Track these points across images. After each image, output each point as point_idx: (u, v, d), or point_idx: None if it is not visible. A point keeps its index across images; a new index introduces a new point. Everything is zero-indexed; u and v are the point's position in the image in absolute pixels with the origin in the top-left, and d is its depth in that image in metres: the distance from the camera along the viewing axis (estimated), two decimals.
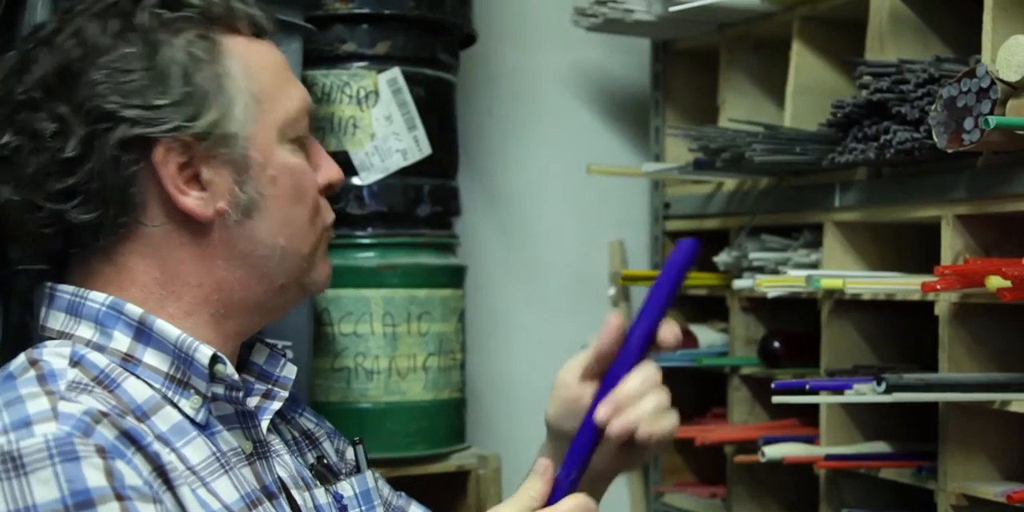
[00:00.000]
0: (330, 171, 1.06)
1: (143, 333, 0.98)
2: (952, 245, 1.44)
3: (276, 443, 1.05)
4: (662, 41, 2.11)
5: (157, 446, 0.92)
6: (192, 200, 0.98)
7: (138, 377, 0.97)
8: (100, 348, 0.98)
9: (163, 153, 0.96)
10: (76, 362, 0.96)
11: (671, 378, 2.15)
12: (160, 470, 0.91)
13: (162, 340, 0.97)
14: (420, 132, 1.68)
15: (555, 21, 2.11)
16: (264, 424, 1.03)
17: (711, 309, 2.02)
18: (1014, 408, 1.35)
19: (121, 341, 0.98)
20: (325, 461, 1.13)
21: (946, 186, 1.45)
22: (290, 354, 1.12)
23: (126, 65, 0.96)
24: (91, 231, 0.98)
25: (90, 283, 1.01)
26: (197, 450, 0.96)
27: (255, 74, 1.00)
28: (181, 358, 0.97)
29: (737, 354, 1.87)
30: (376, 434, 1.58)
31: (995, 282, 1.30)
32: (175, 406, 0.97)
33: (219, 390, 0.98)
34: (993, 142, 1.33)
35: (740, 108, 1.92)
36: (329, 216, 1.06)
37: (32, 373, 0.95)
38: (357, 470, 1.14)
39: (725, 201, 1.90)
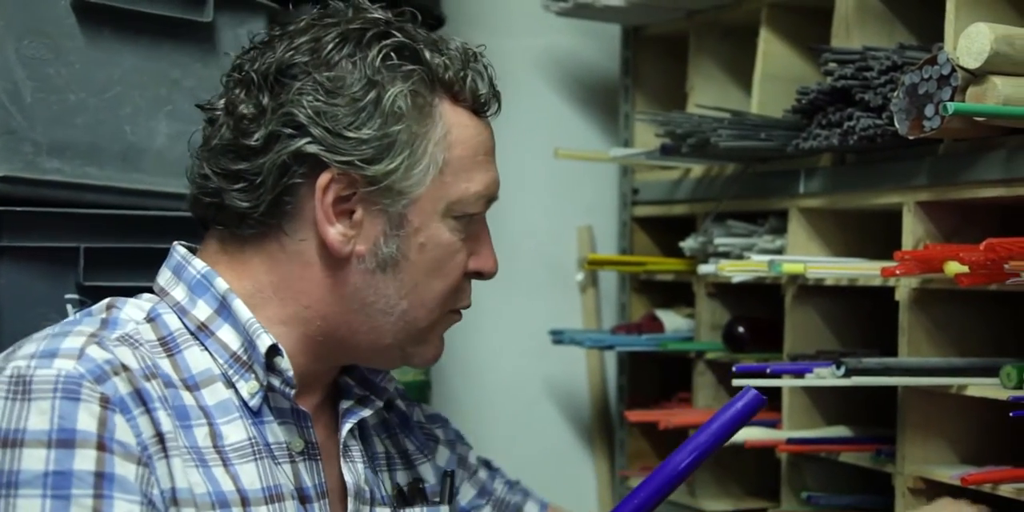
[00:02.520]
0: (485, 262, 1.07)
1: (224, 308, 1.01)
2: (913, 231, 1.46)
3: (355, 450, 1.06)
4: (632, 27, 2.12)
5: (164, 414, 0.94)
6: (335, 233, 1.00)
7: (205, 348, 1.00)
8: (183, 312, 1.02)
9: (328, 180, 0.98)
10: (151, 319, 1.01)
11: (637, 363, 2.19)
12: (160, 437, 0.93)
13: (236, 318, 1.00)
14: None
15: (525, 5, 2.11)
16: (346, 427, 1.05)
17: (677, 295, 2.03)
18: (971, 392, 1.37)
19: (203, 310, 1.01)
20: (421, 486, 1.13)
21: (908, 173, 1.47)
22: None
23: (337, 88, 0.98)
24: (239, 217, 1.01)
25: (212, 258, 1.04)
26: (235, 430, 0.98)
27: (452, 145, 1.01)
28: (248, 340, 1.00)
29: (703, 339, 1.89)
30: None
31: (953, 267, 1.32)
32: (232, 386, 0.99)
33: (275, 382, 1.00)
34: (953, 129, 1.34)
35: (708, 94, 1.93)
36: (463, 301, 1.08)
37: (101, 316, 1.00)
38: (439, 501, 1.14)
39: (692, 187, 1.91)
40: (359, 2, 1.05)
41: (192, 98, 1.43)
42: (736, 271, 1.64)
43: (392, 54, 1.00)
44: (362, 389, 1.10)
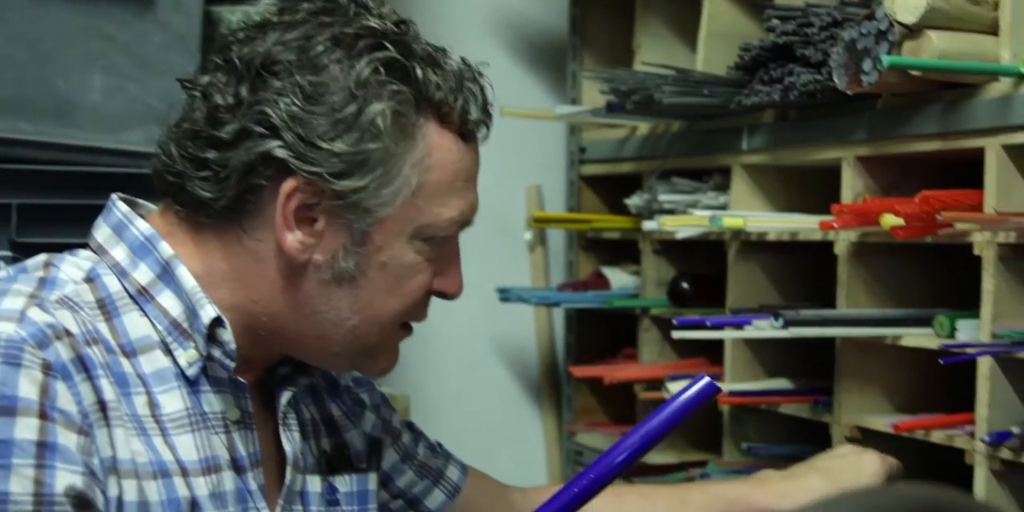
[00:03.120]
0: (450, 284, 1.03)
1: (167, 273, 0.98)
2: (852, 186, 1.48)
3: (291, 418, 1.04)
4: None
5: (106, 381, 0.91)
6: (293, 239, 0.96)
7: (144, 313, 0.97)
8: (123, 274, 0.98)
9: (293, 187, 0.95)
10: (90, 279, 0.97)
11: (584, 320, 2.21)
12: (102, 405, 0.91)
13: (180, 285, 0.97)
14: None
15: None
16: (286, 396, 1.03)
17: (625, 252, 2.05)
18: (906, 342, 1.40)
19: (144, 274, 0.98)
20: (346, 452, 1.11)
21: (847, 128, 1.49)
22: None
23: (317, 95, 0.94)
24: (198, 205, 0.98)
25: (165, 229, 1.00)
26: (172, 399, 0.96)
27: (431, 169, 0.97)
28: (190, 309, 0.97)
29: (648, 296, 1.91)
30: None
31: (889, 220, 1.34)
32: (170, 354, 0.97)
33: (216, 352, 0.97)
34: (891, 84, 1.36)
35: (655, 53, 1.94)
36: (419, 317, 1.04)
37: (38, 274, 0.97)
38: (367, 468, 1.12)
39: (638, 145, 1.92)
40: (364, 1, 1.00)
41: (126, 53, 1.42)
42: (678, 226, 1.66)
43: (381, 68, 0.95)
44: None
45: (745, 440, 1.69)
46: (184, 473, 0.94)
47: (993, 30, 1.30)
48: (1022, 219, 1.24)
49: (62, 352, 0.89)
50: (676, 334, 1.50)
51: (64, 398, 0.88)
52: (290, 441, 1.03)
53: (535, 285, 2.21)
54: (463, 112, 0.99)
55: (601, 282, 2.00)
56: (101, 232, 1.01)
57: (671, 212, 1.81)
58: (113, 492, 0.90)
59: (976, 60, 1.29)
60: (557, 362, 2.22)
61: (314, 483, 1.06)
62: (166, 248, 0.98)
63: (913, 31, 1.31)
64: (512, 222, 2.22)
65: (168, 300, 0.97)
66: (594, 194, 2.14)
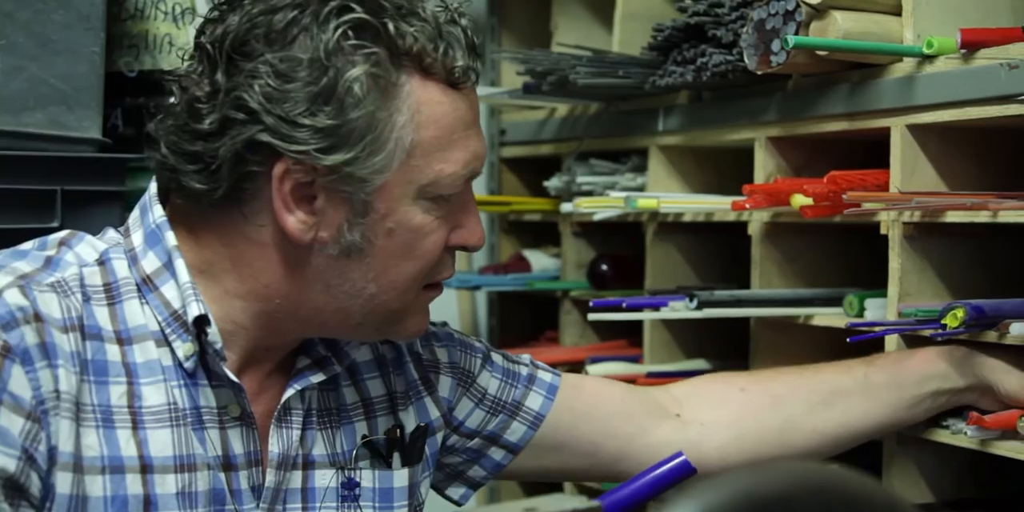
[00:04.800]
0: (469, 235, 1.00)
1: (171, 264, 0.96)
2: (765, 166, 1.49)
3: (295, 414, 1.01)
4: None
5: (65, 371, 0.90)
6: (295, 220, 0.94)
7: (146, 302, 0.96)
8: (134, 260, 0.97)
9: (284, 169, 0.93)
10: (102, 262, 0.97)
11: (507, 303, 2.20)
12: (58, 394, 0.89)
13: (177, 278, 0.96)
14: None
15: None
16: (288, 392, 1.00)
17: (546, 235, 2.04)
18: (817, 322, 1.41)
19: (151, 263, 0.97)
20: (400, 431, 1.08)
21: (759, 109, 1.49)
22: None
23: (290, 71, 0.91)
24: (196, 197, 0.96)
25: (174, 218, 0.98)
26: (156, 393, 0.94)
27: (423, 126, 0.94)
28: (185, 304, 0.96)
29: (569, 278, 1.91)
30: None
31: (798, 200, 1.35)
32: (167, 345, 0.95)
33: (209, 348, 0.96)
34: (800, 64, 1.36)
35: (572, 34, 1.94)
36: (444, 274, 1.02)
37: (47, 253, 0.96)
38: (404, 461, 1.08)
39: (557, 127, 1.92)
40: None
41: (27, 32, 1.38)
42: (594, 208, 1.66)
43: (350, 32, 0.92)
44: (326, 348, 1.04)
45: None
46: (146, 470, 0.93)
47: (897, 11, 1.31)
48: (926, 198, 1.25)
49: (27, 336, 0.88)
50: (592, 316, 1.50)
51: (18, 382, 0.87)
52: (280, 441, 1.00)
53: (458, 268, 2.19)
54: (447, 59, 0.94)
55: (522, 265, 2.00)
56: (133, 213, 1.01)
57: (590, 194, 1.80)
58: (51, 482, 0.89)
59: (880, 40, 1.30)
60: None
61: (325, 477, 1.03)
62: (171, 238, 0.97)
63: (819, 11, 1.32)
64: None
65: (171, 291, 0.96)
66: (515, 176, 2.14)
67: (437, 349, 1.15)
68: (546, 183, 1.89)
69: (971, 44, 1.23)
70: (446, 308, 2.21)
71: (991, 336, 1.19)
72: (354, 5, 0.93)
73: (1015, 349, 1.20)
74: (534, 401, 1.17)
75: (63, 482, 0.89)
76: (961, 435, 1.21)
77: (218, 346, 0.96)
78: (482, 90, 1.93)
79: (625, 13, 1.80)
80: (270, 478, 1.00)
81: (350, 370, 1.08)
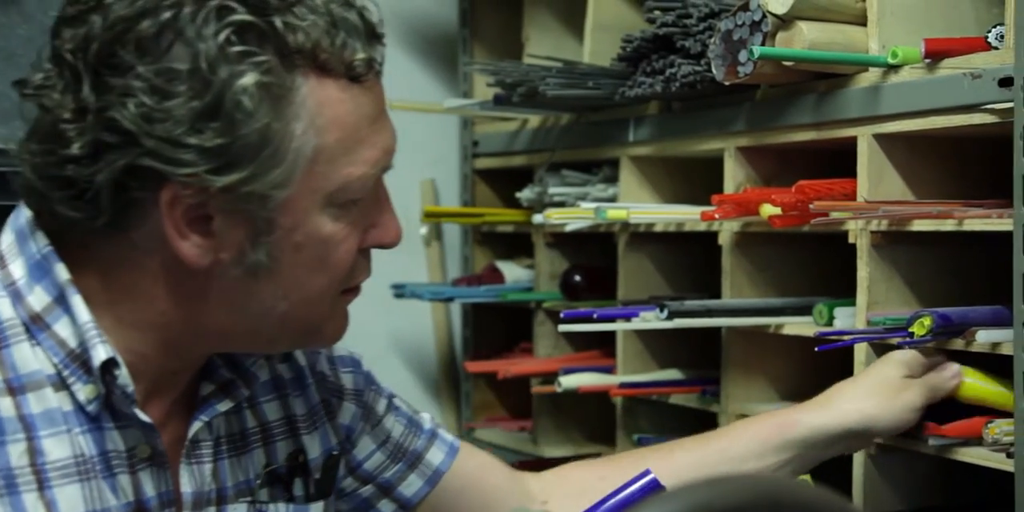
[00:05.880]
0: (384, 234, 0.92)
1: (64, 299, 0.86)
2: (734, 176, 1.49)
3: (205, 447, 0.93)
4: None
5: None
6: (190, 246, 0.85)
7: (38, 344, 0.86)
8: (17, 296, 0.86)
9: (172, 194, 0.83)
10: None
11: (481, 315, 2.20)
12: None
13: (75, 316, 0.86)
14: None
15: None
16: (194, 427, 0.92)
17: (519, 246, 2.04)
18: (787, 331, 1.41)
19: (39, 299, 0.86)
20: (302, 457, 1.00)
21: (728, 119, 1.50)
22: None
23: (168, 85, 0.81)
24: (73, 224, 0.85)
25: (56, 239, 0.87)
26: (59, 445, 0.84)
27: (323, 130, 0.84)
28: (84, 346, 0.86)
29: (542, 289, 1.90)
30: None
31: (767, 210, 1.36)
32: (65, 388, 0.86)
33: (116, 390, 0.87)
34: (767, 74, 1.37)
35: (543, 45, 1.94)
36: (359, 278, 0.93)
37: None
38: (316, 494, 1.00)
39: (530, 138, 1.92)
40: None
41: None
42: (564, 219, 1.66)
43: (234, 37, 0.81)
44: (230, 371, 0.95)
45: (637, 431, 1.69)
46: None
47: (862, 21, 1.31)
48: (893, 207, 1.26)
49: None
50: (562, 328, 1.50)
51: None
52: (192, 479, 0.92)
53: (432, 280, 2.20)
54: (345, 52, 0.85)
55: (495, 276, 2.00)
56: (6, 238, 0.90)
57: (562, 205, 1.80)
58: None
59: (846, 50, 1.30)
60: (455, 358, 2.21)
61: (237, 510, 0.96)
62: (62, 271, 0.86)
63: (785, 22, 1.32)
64: (408, 217, 2.19)
65: (65, 329, 0.86)
66: (488, 188, 2.14)
67: (343, 374, 1.07)
68: (518, 194, 1.89)
69: (935, 54, 1.23)
70: (421, 320, 2.21)
71: (958, 344, 1.19)
72: (234, 4, 0.82)
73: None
74: (435, 456, 1.10)
75: None
76: (924, 443, 1.22)
77: (129, 390, 0.86)
78: (451, 101, 1.94)
79: (596, 24, 1.80)
80: None
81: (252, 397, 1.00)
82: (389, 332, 2.19)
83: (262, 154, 0.83)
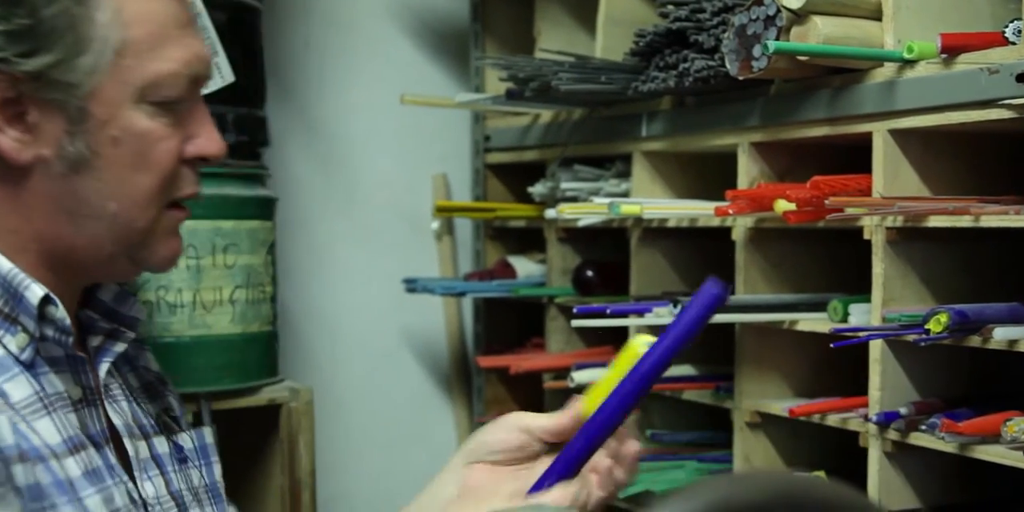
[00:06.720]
0: (205, 144, 0.94)
1: None
2: (748, 172, 1.48)
3: (115, 388, 0.99)
4: None
5: None
6: (8, 139, 0.87)
7: None
8: None
9: None
10: None
11: (493, 310, 2.19)
12: None
13: None
14: (222, 59, 1.63)
15: None
16: (104, 367, 0.97)
17: (531, 241, 2.04)
18: (802, 327, 1.41)
19: None
20: (172, 413, 1.07)
21: (742, 114, 1.49)
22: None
23: None
24: None
25: None
26: (19, 387, 0.89)
27: (129, 23, 0.87)
28: (10, 293, 0.89)
29: (554, 284, 1.90)
30: (182, 369, 1.55)
31: (782, 205, 1.35)
32: None
33: (49, 331, 0.91)
34: (781, 69, 1.36)
35: (555, 39, 1.93)
36: (185, 190, 0.94)
37: None
38: (198, 423, 1.08)
39: (542, 133, 1.91)
40: None
41: None
42: (577, 214, 1.65)
43: None
44: (109, 322, 1.00)
45: (650, 427, 1.69)
46: (55, 456, 0.89)
47: (877, 16, 1.30)
48: (908, 203, 1.25)
49: None
50: (575, 323, 1.49)
51: None
52: (118, 412, 0.98)
53: (443, 275, 2.19)
54: None
55: (507, 271, 1.99)
56: None
57: (574, 200, 1.80)
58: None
59: (861, 45, 1.29)
60: (467, 353, 2.21)
61: (162, 444, 1.02)
62: None
63: (800, 16, 1.31)
64: (419, 212, 2.20)
65: None
66: (500, 182, 2.13)
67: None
68: (530, 189, 1.89)
69: (951, 49, 1.22)
70: (433, 315, 2.21)
71: (975, 341, 1.19)
72: None
73: None
74: None
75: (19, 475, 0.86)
76: (941, 440, 1.21)
77: (66, 322, 0.90)
78: (463, 96, 1.93)
79: (608, 18, 1.79)
80: (131, 449, 0.97)
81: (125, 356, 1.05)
82: (401, 327, 2.19)
83: (67, 38, 0.86)
